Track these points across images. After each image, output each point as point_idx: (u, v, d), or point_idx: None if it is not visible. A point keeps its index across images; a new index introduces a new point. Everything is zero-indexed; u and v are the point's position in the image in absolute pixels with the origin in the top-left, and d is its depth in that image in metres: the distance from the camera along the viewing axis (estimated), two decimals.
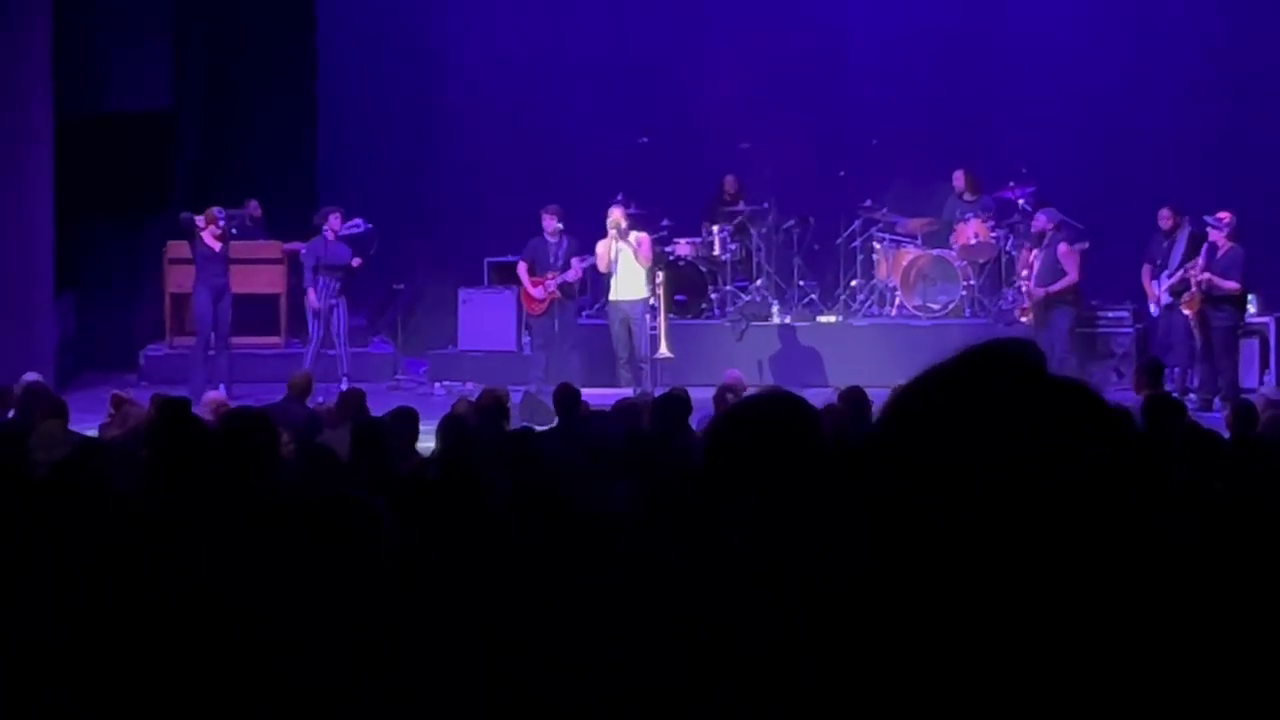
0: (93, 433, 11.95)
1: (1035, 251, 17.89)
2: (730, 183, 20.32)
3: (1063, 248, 17.64)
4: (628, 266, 17.97)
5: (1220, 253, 17.10)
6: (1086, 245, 18.24)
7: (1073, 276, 17.61)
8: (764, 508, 2.97)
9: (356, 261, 18.60)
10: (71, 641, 3.89)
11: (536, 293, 18.51)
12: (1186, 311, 17.24)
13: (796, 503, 2.93)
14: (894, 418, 1.77)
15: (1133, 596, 1.67)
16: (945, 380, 1.75)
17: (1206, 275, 16.99)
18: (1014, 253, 18.78)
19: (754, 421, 3.23)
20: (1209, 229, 17.21)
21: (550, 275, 18.42)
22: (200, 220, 18.24)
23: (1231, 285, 17.04)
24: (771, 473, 3.02)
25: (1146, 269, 17.73)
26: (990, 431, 1.71)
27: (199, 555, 4.04)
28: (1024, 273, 18.04)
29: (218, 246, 18.27)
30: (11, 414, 11.87)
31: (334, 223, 18.57)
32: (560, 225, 18.51)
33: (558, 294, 18.46)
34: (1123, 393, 13.90)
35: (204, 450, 4.66)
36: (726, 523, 3.12)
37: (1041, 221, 17.90)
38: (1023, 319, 17.85)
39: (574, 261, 18.36)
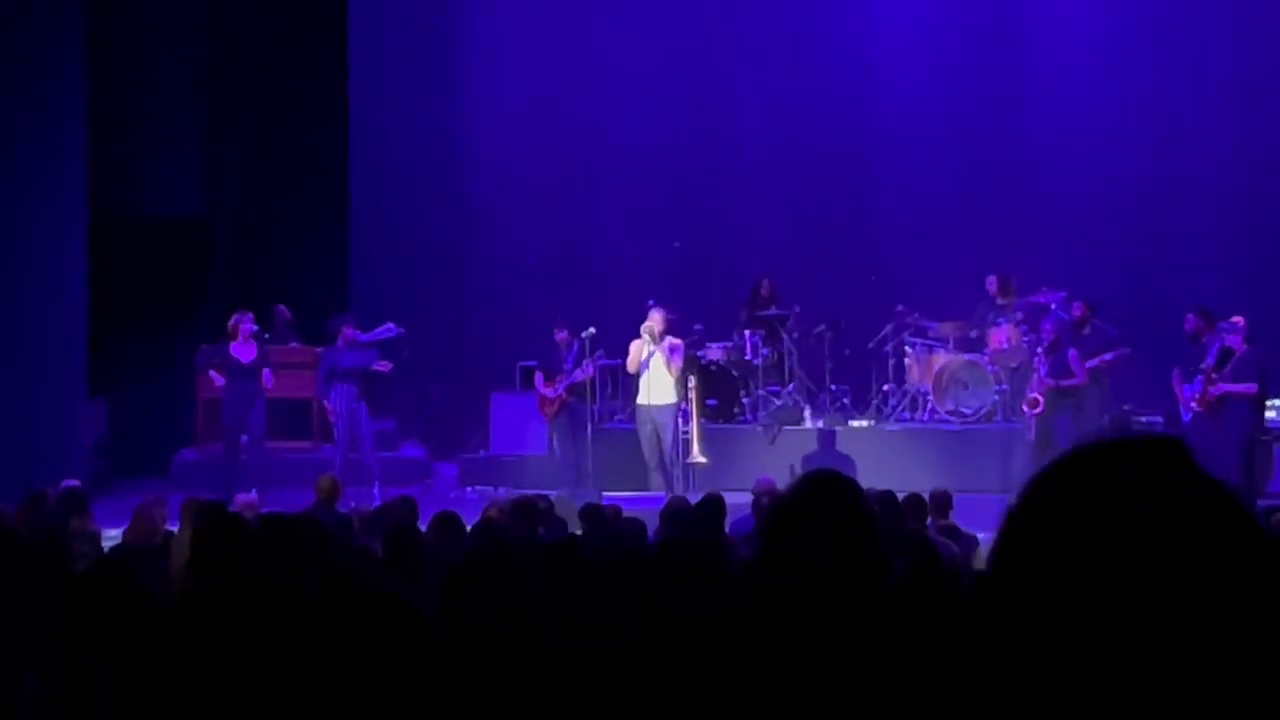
0: (116, 536, 11.94)
1: (1040, 355, 17.88)
2: (766, 286, 20.37)
3: (1073, 353, 17.65)
4: (658, 371, 17.96)
5: (1237, 356, 17.05)
6: (1128, 351, 18.25)
7: (1081, 378, 17.60)
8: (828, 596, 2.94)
9: (385, 366, 18.66)
10: None
11: (547, 393, 18.59)
12: (1198, 406, 17.18)
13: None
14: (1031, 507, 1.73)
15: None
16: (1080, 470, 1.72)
17: (1224, 386, 16.95)
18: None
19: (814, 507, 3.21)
20: (1224, 334, 17.15)
21: (561, 378, 18.53)
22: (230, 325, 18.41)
23: (1248, 388, 16.94)
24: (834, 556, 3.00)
25: (1176, 373, 17.62)
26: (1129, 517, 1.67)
27: (238, 655, 4.01)
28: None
29: (243, 355, 18.36)
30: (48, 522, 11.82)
31: (346, 331, 18.68)
32: (568, 333, 18.63)
33: (566, 395, 18.52)
34: None
35: (247, 552, 4.63)
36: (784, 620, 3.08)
37: (1049, 331, 17.94)
38: (1032, 411, 17.75)
39: (585, 362, 18.42)
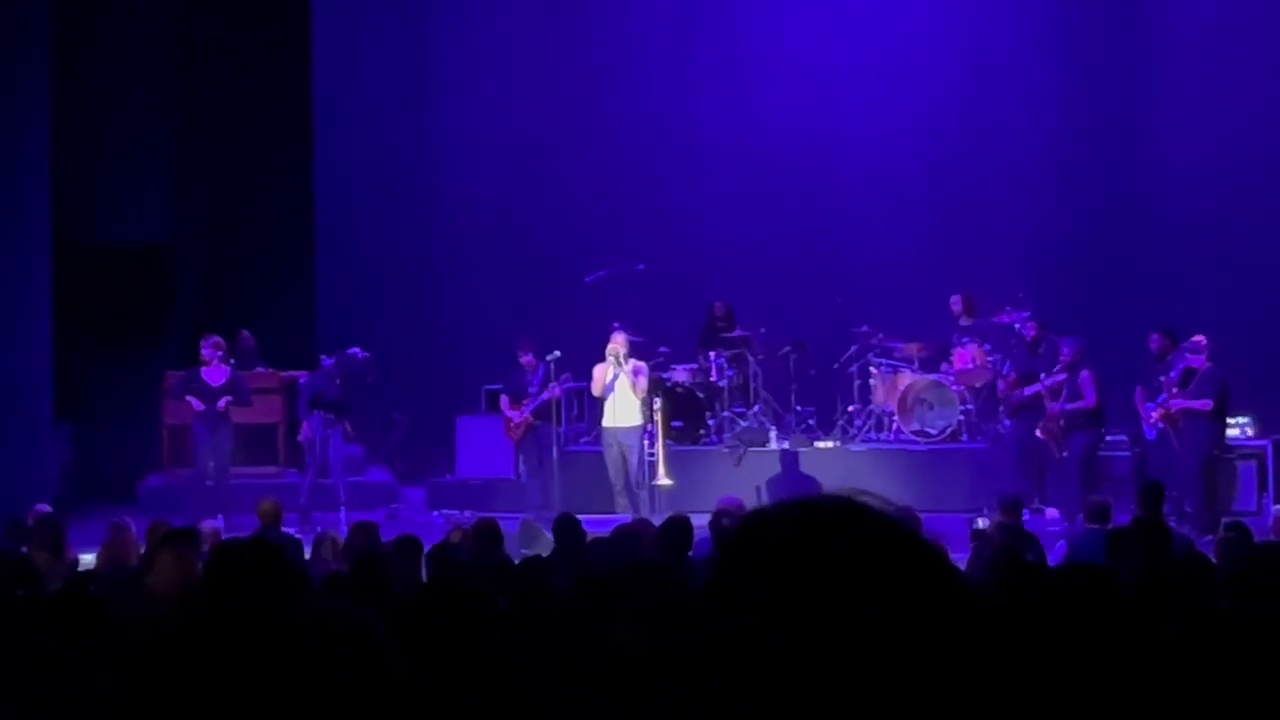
0: (89, 558, 11.95)
1: (1061, 376, 17.83)
2: (720, 307, 20.40)
3: (1085, 374, 17.67)
4: (623, 393, 18.01)
5: (1200, 374, 17.11)
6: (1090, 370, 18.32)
7: (1090, 400, 17.59)
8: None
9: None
10: None
11: (513, 417, 18.62)
12: (1158, 420, 17.22)
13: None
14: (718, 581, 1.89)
15: None
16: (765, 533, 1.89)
17: (1181, 402, 17.05)
18: (1010, 377, 18.76)
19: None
20: (1187, 354, 17.21)
21: (527, 401, 18.57)
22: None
23: (1204, 404, 17.01)
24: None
25: (1140, 390, 17.69)
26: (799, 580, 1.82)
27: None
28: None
29: (211, 379, 18.33)
30: (25, 550, 11.77)
31: (326, 363, 18.75)
32: (533, 356, 18.66)
33: (532, 418, 18.56)
34: (1122, 516, 13.83)
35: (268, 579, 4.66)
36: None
37: (1068, 352, 17.89)
38: (1041, 435, 17.76)
39: (551, 385, 18.46)
